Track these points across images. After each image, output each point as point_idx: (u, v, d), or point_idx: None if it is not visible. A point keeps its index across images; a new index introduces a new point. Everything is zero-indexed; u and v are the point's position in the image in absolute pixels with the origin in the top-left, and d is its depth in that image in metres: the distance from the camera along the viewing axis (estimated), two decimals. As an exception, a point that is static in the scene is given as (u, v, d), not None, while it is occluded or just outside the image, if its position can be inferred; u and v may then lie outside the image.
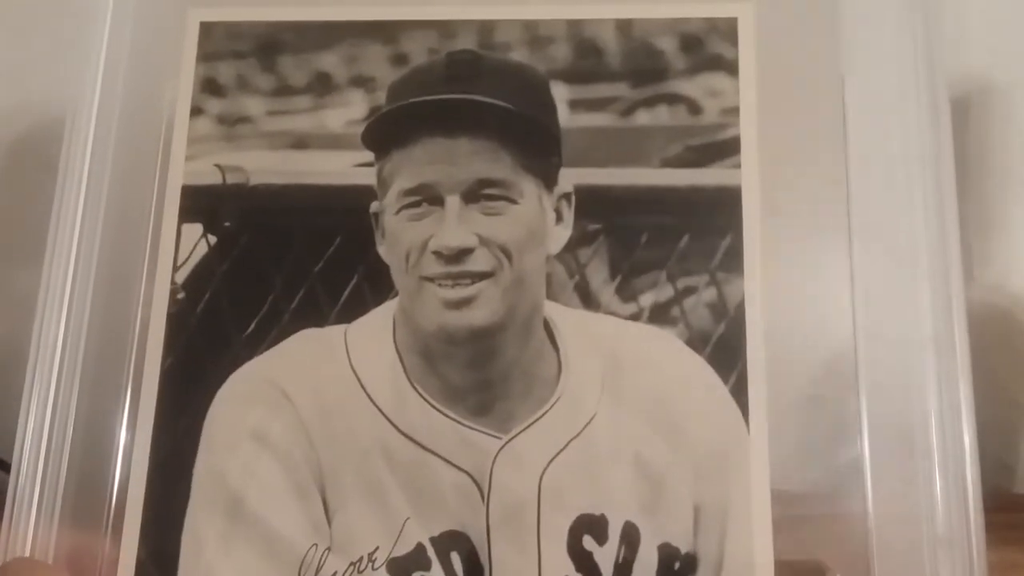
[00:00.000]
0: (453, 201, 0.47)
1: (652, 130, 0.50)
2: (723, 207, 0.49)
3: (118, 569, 0.46)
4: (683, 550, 0.46)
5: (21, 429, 0.47)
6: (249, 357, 0.49)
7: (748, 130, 0.50)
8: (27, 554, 0.45)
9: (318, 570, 0.45)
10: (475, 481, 0.46)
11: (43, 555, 0.45)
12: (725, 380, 0.47)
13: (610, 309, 0.49)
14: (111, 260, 0.50)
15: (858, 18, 0.50)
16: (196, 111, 0.52)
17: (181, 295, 0.50)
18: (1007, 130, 0.63)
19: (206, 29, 0.53)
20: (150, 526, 0.47)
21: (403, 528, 0.46)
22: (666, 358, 0.48)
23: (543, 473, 0.46)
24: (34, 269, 0.49)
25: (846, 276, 0.48)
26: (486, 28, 0.52)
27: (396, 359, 0.48)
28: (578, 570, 0.45)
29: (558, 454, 0.47)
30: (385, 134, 0.49)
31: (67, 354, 0.48)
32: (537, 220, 0.48)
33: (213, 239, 0.51)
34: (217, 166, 0.51)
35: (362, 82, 0.52)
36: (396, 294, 0.49)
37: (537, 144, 0.49)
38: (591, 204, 0.49)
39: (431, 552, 0.46)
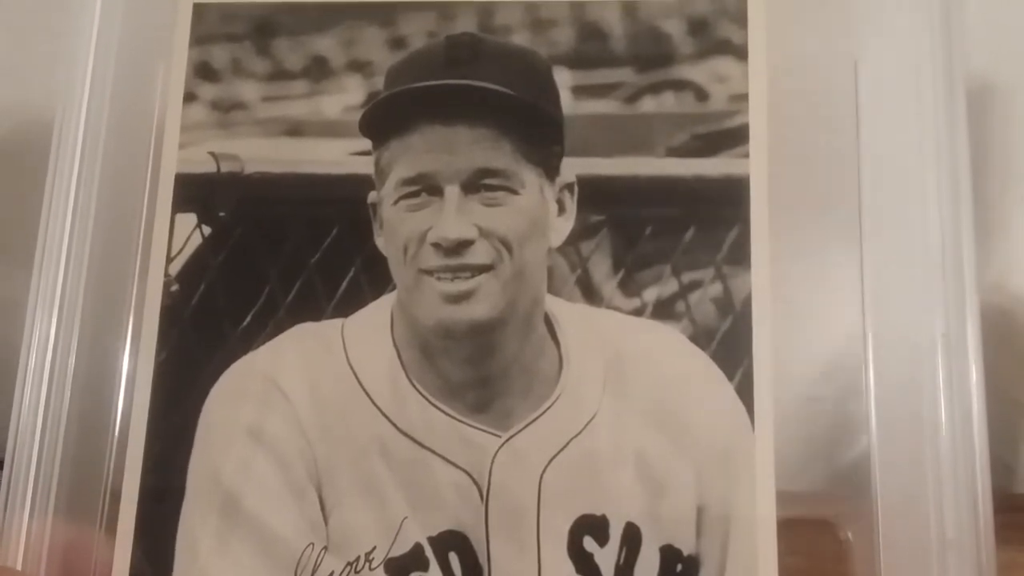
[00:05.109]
0: (452, 191, 0.46)
1: (657, 117, 0.49)
2: (730, 198, 0.47)
3: (113, 568, 0.46)
4: (685, 552, 0.45)
5: (14, 425, 0.46)
6: (244, 351, 0.48)
7: (757, 118, 0.48)
8: (21, 553, 0.45)
9: (314, 570, 0.45)
10: (474, 480, 0.45)
11: (37, 554, 0.45)
12: (730, 377, 0.46)
13: (613, 304, 0.48)
14: (103, 251, 0.49)
15: (872, 1, 0.48)
16: (189, 97, 0.51)
17: (175, 288, 0.49)
18: (1007, 130, 0.62)
19: (199, 11, 0.52)
20: (145, 524, 0.46)
21: (401, 527, 0.45)
22: (670, 355, 0.47)
23: (543, 472, 0.45)
24: (25, 262, 0.48)
25: (856, 270, 0.46)
26: (486, 10, 0.50)
27: (394, 355, 0.47)
28: (578, 571, 0.44)
29: (558, 453, 0.46)
30: (383, 121, 0.48)
31: (60, 348, 0.47)
32: (538, 211, 0.47)
33: (207, 230, 0.49)
34: (211, 154, 0.50)
35: (359, 66, 0.51)
36: (394, 287, 0.48)
37: (539, 132, 0.48)
38: (594, 195, 0.48)
39: (429, 552, 0.45)
